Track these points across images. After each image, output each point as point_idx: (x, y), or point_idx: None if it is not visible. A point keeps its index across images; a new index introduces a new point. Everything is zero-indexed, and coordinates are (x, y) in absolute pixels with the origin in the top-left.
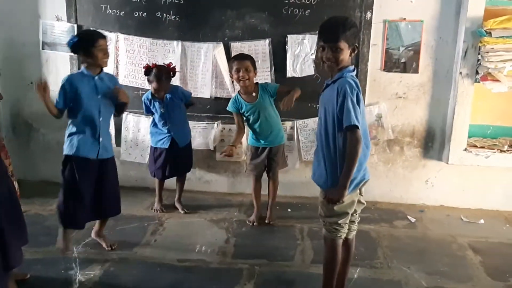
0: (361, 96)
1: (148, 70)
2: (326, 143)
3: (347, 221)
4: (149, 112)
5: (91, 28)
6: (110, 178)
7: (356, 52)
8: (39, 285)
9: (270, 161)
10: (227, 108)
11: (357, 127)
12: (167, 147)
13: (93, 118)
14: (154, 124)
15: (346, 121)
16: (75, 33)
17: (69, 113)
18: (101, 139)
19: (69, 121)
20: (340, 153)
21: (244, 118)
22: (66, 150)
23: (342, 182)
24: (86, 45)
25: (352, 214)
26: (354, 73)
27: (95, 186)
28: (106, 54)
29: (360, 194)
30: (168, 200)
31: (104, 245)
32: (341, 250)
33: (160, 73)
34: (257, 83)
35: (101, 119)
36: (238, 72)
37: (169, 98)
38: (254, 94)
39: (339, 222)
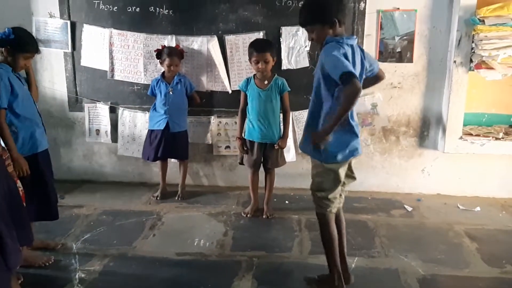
0: (350, 56)
1: (159, 52)
2: (318, 108)
3: (337, 196)
4: (153, 93)
5: (28, 32)
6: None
7: (338, 24)
8: (39, 281)
9: (266, 158)
10: (237, 86)
11: (352, 74)
12: (162, 128)
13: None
14: (154, 108)
15: (338, 71)
16: (68, 28)
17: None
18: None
19: (10, 119)
20: (329, 116)
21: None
22: (29, 149)
23: (327, 126)
24: (16, 48)
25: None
26: (338, 39)
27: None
28: (27, 65)
29: (350, 169)
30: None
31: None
32: None
33: (171, 49)
34: (274, 74)
35: (37, 107)
36: (257, 64)
37: (176, 82)
38: (266, 82)
39: (329, 197)
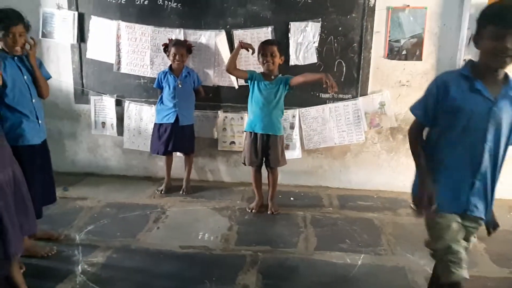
0: None
1: (166, 45)
2: (497, 164)
3: None
4: (159, 86)
5: (11, 8)
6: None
7: None
8: (42, 272)
9: (267, 156)
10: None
11: None
12: (172, 121)
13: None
14: (161, 101)
15: None
16: (75, 19)
17: None
18: (40, 121)
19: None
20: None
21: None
22: (13, 139)
23: None
24: None
25: None
26: None
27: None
28: (15, 42)
29: None
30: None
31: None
32: None
33: (177, 40)
34: (281, 74)
35: (34, 100)
36: (265, 56)
37: (184, 76)
38: (272, 77)
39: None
